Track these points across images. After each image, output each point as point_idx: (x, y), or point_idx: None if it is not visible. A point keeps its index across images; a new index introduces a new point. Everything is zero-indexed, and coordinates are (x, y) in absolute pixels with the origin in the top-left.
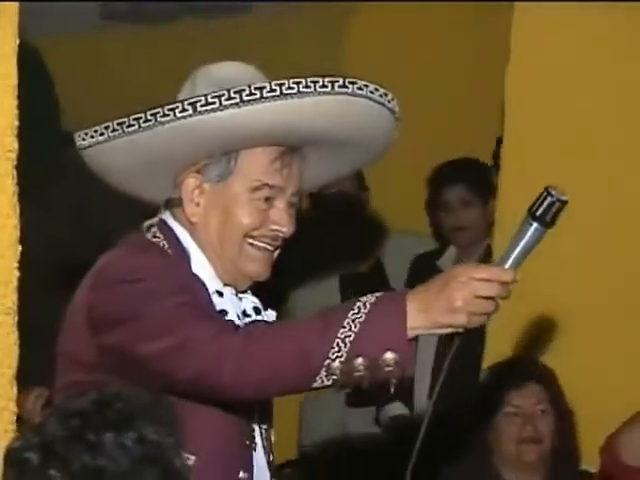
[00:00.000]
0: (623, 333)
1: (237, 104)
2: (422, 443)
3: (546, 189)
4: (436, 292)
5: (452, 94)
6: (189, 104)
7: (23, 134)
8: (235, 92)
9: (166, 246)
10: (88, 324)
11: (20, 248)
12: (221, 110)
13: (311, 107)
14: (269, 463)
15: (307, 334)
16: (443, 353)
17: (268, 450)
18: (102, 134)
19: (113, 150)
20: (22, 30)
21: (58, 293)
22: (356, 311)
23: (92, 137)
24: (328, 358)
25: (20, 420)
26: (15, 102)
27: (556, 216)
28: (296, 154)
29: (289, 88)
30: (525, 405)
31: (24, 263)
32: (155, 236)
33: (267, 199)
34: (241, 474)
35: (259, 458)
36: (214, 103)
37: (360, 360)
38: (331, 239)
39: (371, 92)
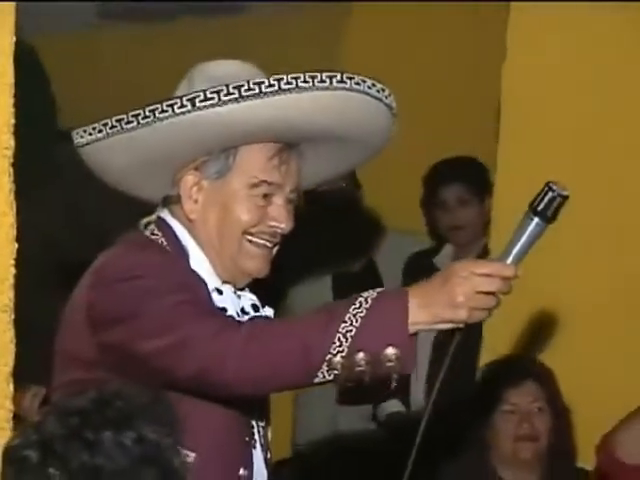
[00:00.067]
0: (623, 331)
1: (236, 99)
2: (421, 442)
3: (547, 184)
4: (437, 287)
5: (449, 93)
6: (188, 100)
7: (19, 132)
8: (234, 87)
9: (165, 243)
10: (88, 323)
11: (17, 246)
12: (220, 105)
13: (309, 102)
14: (266, 461)
15: (308, 329)
16: (441, 349)
17: (265, 447)
18: (100, 131)
19: (111, 147)
20: (19, 29)
21: (55, 291)
22: (357, 306)
23: (90, 134)
24: (329, 353)
25: (17, 418)
26: (12, 100)
27: (557, 211)
28: (294, 151)
29: (287, 83)
30: (522, 403)
31: (21, 261)
32: (153, 233)
33: (265, 196)
34: (241, 471)
35: (258, 455)
36: (213, 99)
37: (361, 355)
38: (324, 237)
39: (369, 87)
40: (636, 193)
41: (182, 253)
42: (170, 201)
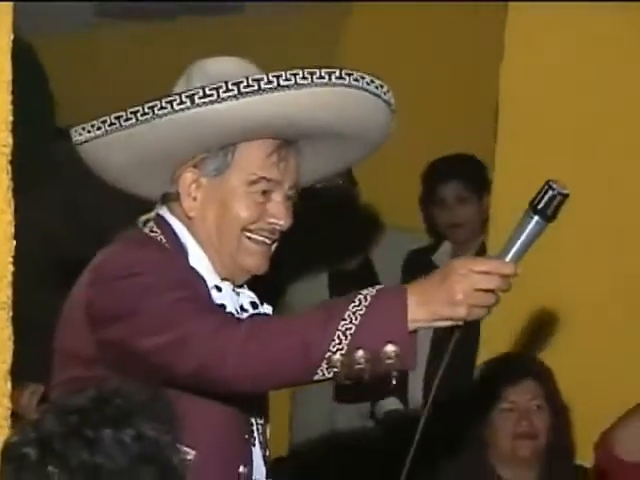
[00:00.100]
0: (621, 330)
1: (235, 96)
2: (419, 440)
3: (547, 182)
4: (436, 285)
5: (447, 91)
6: (187, 96)
7: (17, 130)
8: (233, 84)
9: (163, 241)
10: (87, 320)
11: (15, 243)
12: (219, 102)
13: (308, 98)
14: (265, 458)
15: (308, 327)
16: (440, 347)
17: (264, 445)
18: (99, 128)
19: (110, 145)
20: (16, 29)
21: (53, 289)
22: (357, 303)
23: (89, 132)
24: (329, 351)
25: (15, 416)
26: (9, 97)
27: (557, 210)
28: (293, 148)
29: (286, 79)
30: (521, 401)
31: (19, 258)
32: (152, 231)
33: (264, 192)
34: (241, 468)
35: (257, 453)
36: (212, 95)
37: (361, 353)
38: (321, 234)
39: (367, 83)
40: (634, 191)
41: (181, 250)
42: (169, 198)
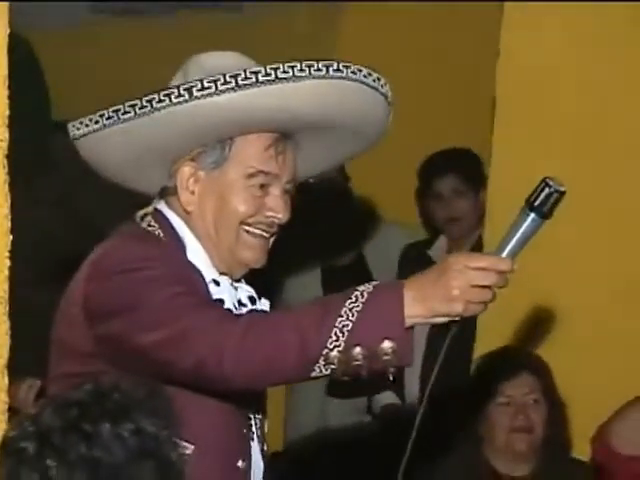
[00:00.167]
0: (617, 325)
1: (233, 88)
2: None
3: (544, 180)
4: (433, 281)
5: (443, 86)
6: (185, 89)
7: (14, 125)
8: (230, 76)
9: (161, 235)
10: (84, 315)
11: (11, 238)
12: (217, 94)
13: (306, 90)
14: (263, 453)
15: (305, 323)
16: (436, 342)
17: (262, 439)
18: (97, 122)
19: (108, 139)
20: (13, 24)
21: (51, 283)
22: (353, 300)
23: (87, 126)
24: (326, 348)
25: (12, 411)
26: (6, 92)
27: (554, 207)
28: (290, 141)
29: (284, 72)
30: (517, 395)
31: (15, 253)
32: (150, 225)
33: (262, 186)
34: (239, 463)
35: (255, 447)
36: (210, 88)
37: (358, 349)
38: (314, 229)
39: (364, 76)
40: (629, 187)
41: (179, 245)
42: (166, 193)
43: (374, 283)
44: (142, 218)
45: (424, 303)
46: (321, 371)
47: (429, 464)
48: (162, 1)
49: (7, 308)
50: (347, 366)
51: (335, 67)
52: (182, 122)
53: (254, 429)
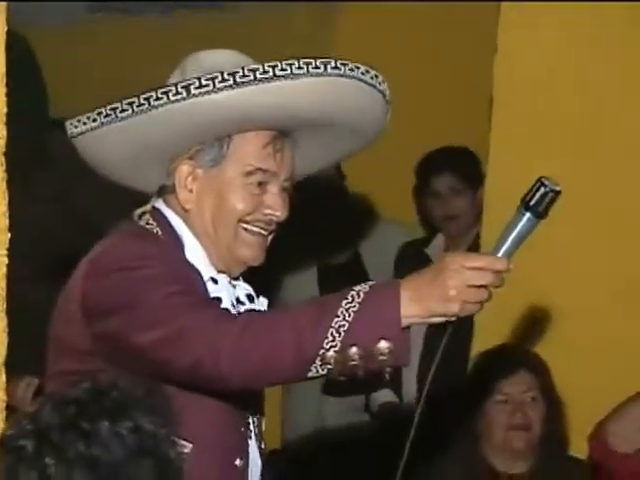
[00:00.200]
0: (614, 323)
1: (230, 86)
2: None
3: (539, 179)
4: (429, 281)
5: (441, 85)
6: (183, 87)
7: (11, 122)
8: (228, 74)
9: (159, 233)
10: (82, 313)
11: (9, 235)
12: (215, 92)
13: (304, 88)
14: (261, 451)
15: (301, 323)
16: (433, 342)
17: (260, 438)
18: (94, 120)
19: (105, 137)
20: (10, 22)
21: (48, 281)
22: (350, 300)
23: (84, 124)
24: (323, 348)
25: (10, 409)
26: (3, 89)
27: (549, 207)
28: (288, 139)
29: (282, 70)
30: (515, 393)
31: (13, 251)
32: (148, 223)
33: (260, 184)
34: (237, 461)
35: (253, 446)
36: (208, 85)
37: (354, 349)
38: (310, 227)
39: (362, 74)
40: (626, 186)
41: (177, 243)
42: (165, 191)
43: (370, 283)
44: (140, 216)
45: (420, 303)
46: (318, 371)
47: (427, 462)
48: (160, 1)
49: (5, 305)
50: (344, 366)
51: (333, 65)
52: (180, 120)
53: (252, 427)
